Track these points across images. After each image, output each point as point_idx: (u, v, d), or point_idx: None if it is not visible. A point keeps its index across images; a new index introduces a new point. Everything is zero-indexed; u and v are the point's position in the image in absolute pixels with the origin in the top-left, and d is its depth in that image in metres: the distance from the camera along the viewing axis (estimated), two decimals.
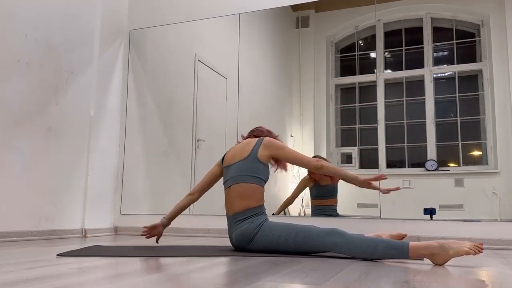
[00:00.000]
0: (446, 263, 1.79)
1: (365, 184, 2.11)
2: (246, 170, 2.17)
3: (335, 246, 1.90)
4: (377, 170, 3.37)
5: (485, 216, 3.07)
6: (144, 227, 2.45)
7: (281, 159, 2.26)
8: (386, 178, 2.04)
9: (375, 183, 2.18)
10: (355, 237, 1.89)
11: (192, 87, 3.83)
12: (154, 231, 2.43)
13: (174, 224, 3.62)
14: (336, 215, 3.31)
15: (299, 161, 2.20)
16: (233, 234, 2.16)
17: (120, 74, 3.84)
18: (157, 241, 2.51)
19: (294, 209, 3.51)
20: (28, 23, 2.94)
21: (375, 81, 3.58)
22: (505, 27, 3.25)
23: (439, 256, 1.76)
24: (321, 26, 3.77)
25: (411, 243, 1.80)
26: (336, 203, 3.35)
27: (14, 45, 2.84)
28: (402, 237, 2.20)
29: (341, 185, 3.52)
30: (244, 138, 2.41)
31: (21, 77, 2.88)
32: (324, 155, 3.61)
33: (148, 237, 2.45)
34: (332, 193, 3.36)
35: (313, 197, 3.39)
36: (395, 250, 1.80)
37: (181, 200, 2.42)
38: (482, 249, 1.74)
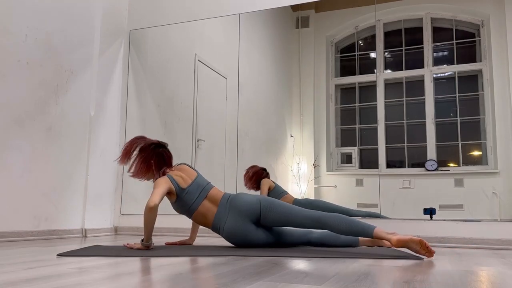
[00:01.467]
0: (435, 254, 1.86)
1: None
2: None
3: (317, 218, 2.18)
4: (377, 170, 3.37)
5: (485, 216, 3.07)
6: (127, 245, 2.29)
7: None
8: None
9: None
10: (331, 214, 2.21)
11: (192, 87, 3.83)
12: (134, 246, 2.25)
13: (174, 224, 3.63)
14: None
15: None
16: (229, 199, 2.35)
17: (120, 74, 3.84)
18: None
19: None
20: (28, 23, 2.95)
21: (375, 81, 3.58)
22: (505, 27, 3.25)
23: (398, 235, 2.02)
24: (321, 26, 3.77)
25: (378, 227, 2.10)
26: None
27: (14, 45, 2.84)
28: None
29: (341, 186, 3.52)
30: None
31: (21, 77, 2.88)
32: (324, 155, 3.61)
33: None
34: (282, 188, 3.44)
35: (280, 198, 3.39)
36: (362, 226, 2.12)
37: (151, 216, 2.19)
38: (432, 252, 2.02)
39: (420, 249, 2.00)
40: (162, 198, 2.22)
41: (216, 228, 2.35)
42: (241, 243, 2.31)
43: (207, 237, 3.28)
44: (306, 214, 2.21)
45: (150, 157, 2.37)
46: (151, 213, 2.17)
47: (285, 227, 2.43)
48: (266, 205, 2.29)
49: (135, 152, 2.38)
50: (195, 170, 2.48)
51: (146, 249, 2.21)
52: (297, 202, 3.35)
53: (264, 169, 3.50)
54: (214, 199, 2.37)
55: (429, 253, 2.00)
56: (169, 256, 1.93)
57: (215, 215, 2.33)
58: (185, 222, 3.50)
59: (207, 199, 2.36)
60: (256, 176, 3.45)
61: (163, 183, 2.27)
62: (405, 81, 3.57)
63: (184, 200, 2.33)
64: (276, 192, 3.40)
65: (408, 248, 2.02)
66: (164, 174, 2.37)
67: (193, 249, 2.24)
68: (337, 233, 2.15)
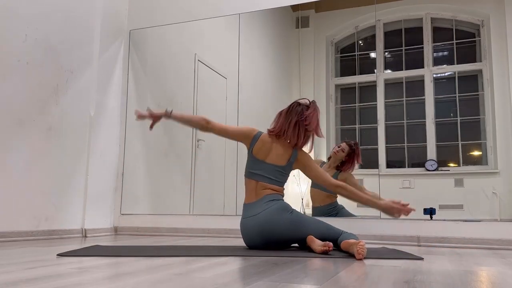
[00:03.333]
0: (436, 254, 1.80)
1: (388, 210, 2.22)
2: (278, 176, 2.35)
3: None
4: (377, 170, 3.37)
5: (485, 216, 3.07)
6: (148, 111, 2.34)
7: (304, 172, 2.41)
8: (412, 210, 2.22)
9: (396, 213, 2.24)
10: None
11: (192, 87, 3.83)
12: (154, 114, 2.34)
13: (174, 224, 3.63)
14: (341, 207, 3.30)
15: (318, 178, 2.36)
16: (264, 211, 2.24)
17: (120, 74, 3.84)
18: (151, 127, 2.40)
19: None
20: (28, 23, 2.95)
21: (375, 81, 3.58)
22: (505, 27, 3.25)
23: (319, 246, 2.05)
24: (321, 26, 3.76)
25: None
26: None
27: (14, 45, 2.84)
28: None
29: None
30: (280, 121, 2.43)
31: (21, 77, 2.88)
32: (324, 155, 3.61)
33: (141, 119, 2.36)
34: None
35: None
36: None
37: (195, 116, 2.39)
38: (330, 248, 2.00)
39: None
40: (221, 129, 2.37)
41: (243, 208, 2.38)
42: (246, 240, 2.34)
43: (207, 237, 3.29)
44: (329, 237, 2.23)
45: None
46: (197, 116, 2.35)
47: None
48: (296, 231, 2.23)
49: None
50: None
51: (164, 115, 2.33)
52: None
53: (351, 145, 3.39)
54: (253, 190, 2.33)
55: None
56: (169, 256, 1.93)
57: (248, 203, 2.33)
58: (185, 222, 3.50)
59: (250, 180, 2.35)
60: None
61: (245, 128, 2.44)
62: (405, 81, 3.56)
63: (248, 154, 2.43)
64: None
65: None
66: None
67: (193, 249, 2.24)
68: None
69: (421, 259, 1.97)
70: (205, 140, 3.80)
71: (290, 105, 2.44)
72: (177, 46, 4.03)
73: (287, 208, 2.27)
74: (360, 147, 3.57)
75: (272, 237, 2.24)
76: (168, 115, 2.34)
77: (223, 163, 3.73)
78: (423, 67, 3.49)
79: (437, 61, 3.48)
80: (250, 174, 2.37)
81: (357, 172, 3.51)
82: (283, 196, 2.39)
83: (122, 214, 3.72)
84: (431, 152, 3.35)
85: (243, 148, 3.78)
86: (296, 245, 2.42)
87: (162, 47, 4.02)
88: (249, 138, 2.41)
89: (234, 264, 1.66)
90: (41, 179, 2.99)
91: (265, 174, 2.33)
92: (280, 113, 2.45)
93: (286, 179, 2.41)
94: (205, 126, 2.35)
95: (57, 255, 1.94)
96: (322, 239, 2.19)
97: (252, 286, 1.18)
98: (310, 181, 3.55)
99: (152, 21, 3.91)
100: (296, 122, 2.36)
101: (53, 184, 3.09)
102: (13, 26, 2.84)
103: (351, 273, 1.48)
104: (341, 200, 3.36)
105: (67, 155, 3.22)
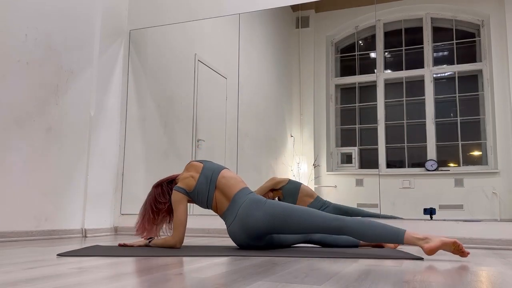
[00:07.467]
0: (436, 254, 1.82)
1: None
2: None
3: (339, 228, 2.01)
4: (377, 170, 3.37)
5: (485, 216, 3.07)
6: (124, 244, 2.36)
7: None
8: None
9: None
10: (355, 221, 2.01)
11: (192, 87, 3.83)
12: (135, 245, 2.34)
13: None
14: None
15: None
16: (242, 204, 2.20)
17: (120, 74, 3.84)
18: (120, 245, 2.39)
19: None
20: (28, 23, 2.95)
21: (375, 81, 3.58)
22: (505, 27, 3.25)
23: (431, 241, 1.90)
24: (321, 26, 3.77)
25: (408, 230, 1.94)
26: None
27: (14, 45, 2.84)
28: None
29: (341, 186, 3.52)
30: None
31: (21, 77, 2.88)
32: (324, 155, 3.61)
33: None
34: None
35: None
36: (391, 233, 1.95)
37: (169, 240, 2.30)
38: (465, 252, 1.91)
39: (454, 251, 1.91)
40: (184, 230, 2.28)
41: (224, 220, 2.33)
42: (241, 246, 2.31)
43: (207, 237, 3.29)
44: (327, 223, 2.03)
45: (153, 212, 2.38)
46: (172, 248, 2.26)
47: None
48: (280, 224, 2.11)
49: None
50: (203, 161, 2.41)
51: (144, 246, 2.32)
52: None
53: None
54: (225, 192, 2.27)
55: (463, 254, 1.90)
56: (169, 256, 1.93)
57: (225, 210, 2.27)
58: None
59: (218, 190, 2.28)
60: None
61: (178, 206, 2.29)
62: (405, 81, 3.56)
63: (198, 200, 2.33)
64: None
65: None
66: (173, 188, 2.38)
67: (193, 249, 2.24)
68: (361, 240, 2.02)
69: (421, 259, 1.96)
70: (205, 140, 3.80)
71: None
72: (177, 46, 4.03)
73: (260, 199, 2.20)
74: (360, 147, 3.58)
75: (255, 232, 2.15)
76: (148, 245, 2.34)
77: (223, 163, 3.73)
78: (423, 67, 3.49)
79: (437, 61, 3.48)
80: (210, 195, 2.32)
81: (357, 172, 3.52)
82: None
83: (122, 214, 3.72)
84: (431, 152, 3.35)
85: (244, 148, 3.79)
86: (297, 245, 2.42)
87: (162, 47, 4.02)
88: (184, 197, 2.33)
89: (234, 264, 1.66)
90: (41, 179, 2.99)
91: (210, 171, 2.35)
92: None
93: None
94: (177, 247, 2.29)
95: (57, 255, 1.94)
96: (323, 232, 2.06)
97: (252, 286, 1.18)
98: (309, 180, 3.54)
99: (152, 21, 3.91)
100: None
101: (53, 184, 3.09)
102: (13, 26, 2.84)
103: (351, 273, 1.48)
104: (326, 196, 3.37)
105: (67, 155, 3.22)
